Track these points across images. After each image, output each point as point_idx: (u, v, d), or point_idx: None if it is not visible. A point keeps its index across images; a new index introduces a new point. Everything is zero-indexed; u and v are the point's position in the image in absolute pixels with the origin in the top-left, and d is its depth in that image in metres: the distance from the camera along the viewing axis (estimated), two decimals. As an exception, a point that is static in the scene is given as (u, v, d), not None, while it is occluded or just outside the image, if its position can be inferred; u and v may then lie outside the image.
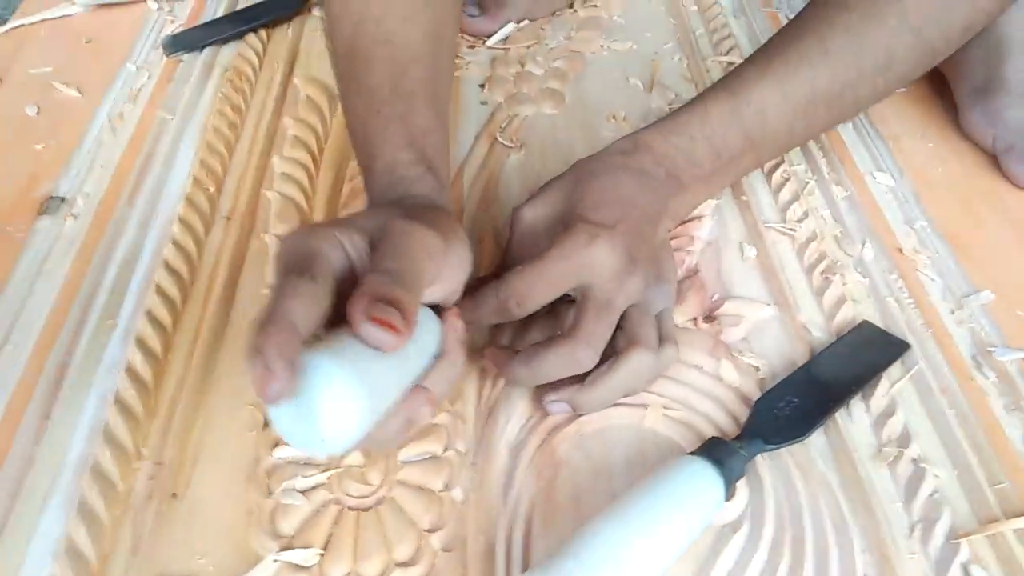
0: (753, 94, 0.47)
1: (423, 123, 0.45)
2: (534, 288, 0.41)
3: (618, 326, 0.42)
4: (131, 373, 0.44)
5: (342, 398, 0.29)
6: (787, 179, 0.58)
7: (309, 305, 0.31)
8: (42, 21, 0.70)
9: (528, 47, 0.71)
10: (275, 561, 0.37)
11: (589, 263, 0.41)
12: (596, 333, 0.40)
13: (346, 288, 0.32)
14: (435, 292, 0.37)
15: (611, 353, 0.41)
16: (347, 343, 0.31)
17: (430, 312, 0.37)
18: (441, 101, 0.47)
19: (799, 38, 0.47)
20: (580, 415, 0.43)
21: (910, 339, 0.48)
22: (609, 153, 0.47)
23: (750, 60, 0.49)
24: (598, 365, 0.41)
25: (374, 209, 0.40)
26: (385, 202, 0.42)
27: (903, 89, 0.66)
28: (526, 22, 0.73)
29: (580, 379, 0.42)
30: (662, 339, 0.43)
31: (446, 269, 0.37)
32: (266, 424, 0.42)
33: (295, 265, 0.32)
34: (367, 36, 0.46)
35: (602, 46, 0.71)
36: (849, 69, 0.46)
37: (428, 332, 0.36)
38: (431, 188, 0.43)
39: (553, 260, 0.41)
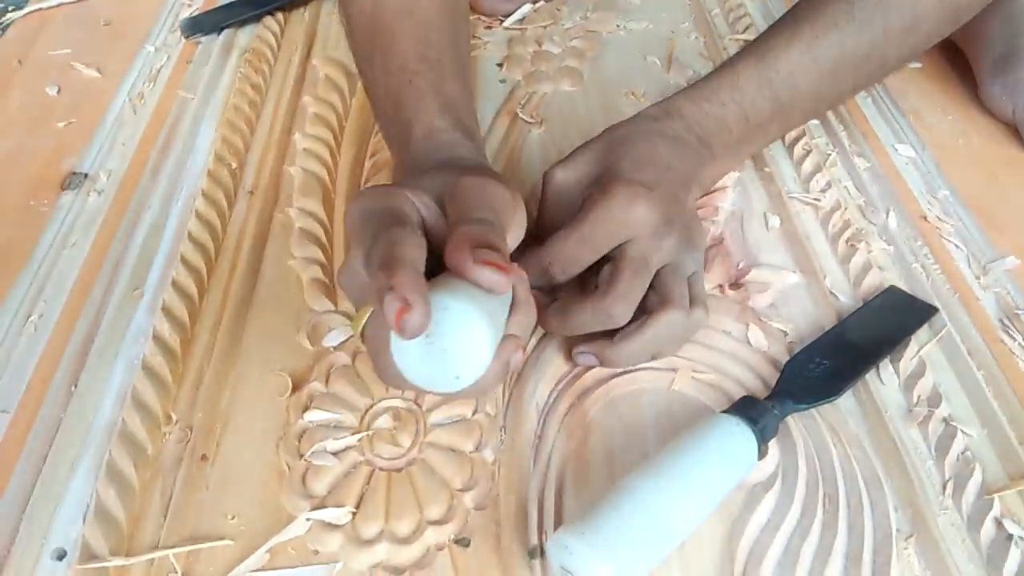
0: (782, 59, 0.47)
1: (453, 90, 0.45)
2: (578, 252, 0.41)
3: (650, 286, 0.42)
4: (158, 341, 0.44)
5: (477, 335, 0.30)
6: (808, 151, 0.57)
7: (420, 253, 0.32)
8: (60, 5, 0.70)
9: (544, 27, 0.71)
10: (308, 520, 0.37)
11: (630, 223, 0.40)
12: (631, 290, 0.40)
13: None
14: (508, 241, 0.37)
15: (642, 312, 0.41)
16: (458, 286, 0.31)
17: None
18: (465, 68, 0.47)
19: (828, 3, 0.47)
20: (609, 379, 0.43)
21: (937, 304, 0.47)
22: (641, 119, 0.47)
23: (777, 25, 0.49)
24: (630, 323, 0.41)
25: (431, 172, 0.40)
26: (429, 167, 0.42)
27: (917, 64, 0.66)
28: (542, 3, 0.73)
29: (610, 335, 0.42)
30: (692, 301, 0.43)
31: (514, 220, 0.37)
32: (295, 389, 0.42)
33: (387, 220, 0.33)
34: (389, 9, 0.46)
35: (618, 26, 0.71)
36: (876, 30, 0.46)
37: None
38: (470, 151, 0.43)
39: (594, 223, 0.41)
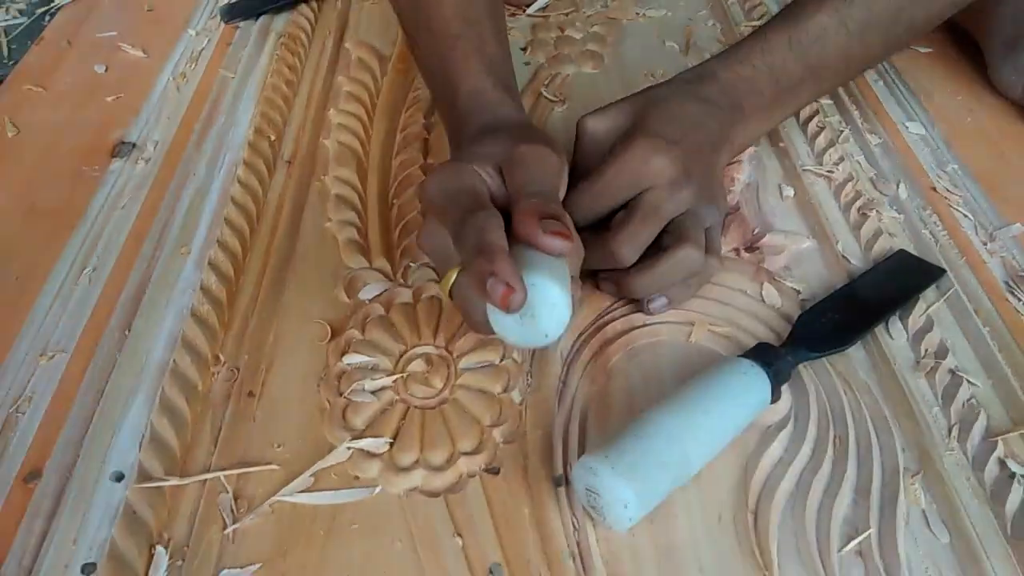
0: (811, 22, 0.49)
1: (494, 51, 0.48)
2: (596, 201, 0.44)
3: (666, 230, 0.44)
4: (206, 292, 0.47)
5: (560, 302, 0.35)
6: (822, 128, 0.60)
7: (503, 233, 0.36)
8: (106, -7, 0.74)
9: (566, 14, 0.74)
10: (348, 448, 0.39)
11: (647, 174, 0.43)
12: (637, 234, 0.43)
13: None
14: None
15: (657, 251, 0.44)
16: (529, 255, 0.36)
17: None
18: (503, 31, 0.50)
19: None
20: (629, 331, 0.45)
21: (944, 267, 0.49)
22: (676, 82, 0.49)
23: None
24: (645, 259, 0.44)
25: (486, 140, 0.43)
26: (478, 128, 0.45)
27: (928, 48, 0.69)
28: (564, -9, 0.76)
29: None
30: (707, 250, 0.45)
31: (563, 183, 0.41)
32: (334, 336, 0.45)
33: (464, 201, 0.37)
34: None
35: (637, 13, 0.74)
36: None
37: None
38: (514, 108, 0.46)
39: (613, 174, 0.43)
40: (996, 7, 0.62)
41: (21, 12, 0.75)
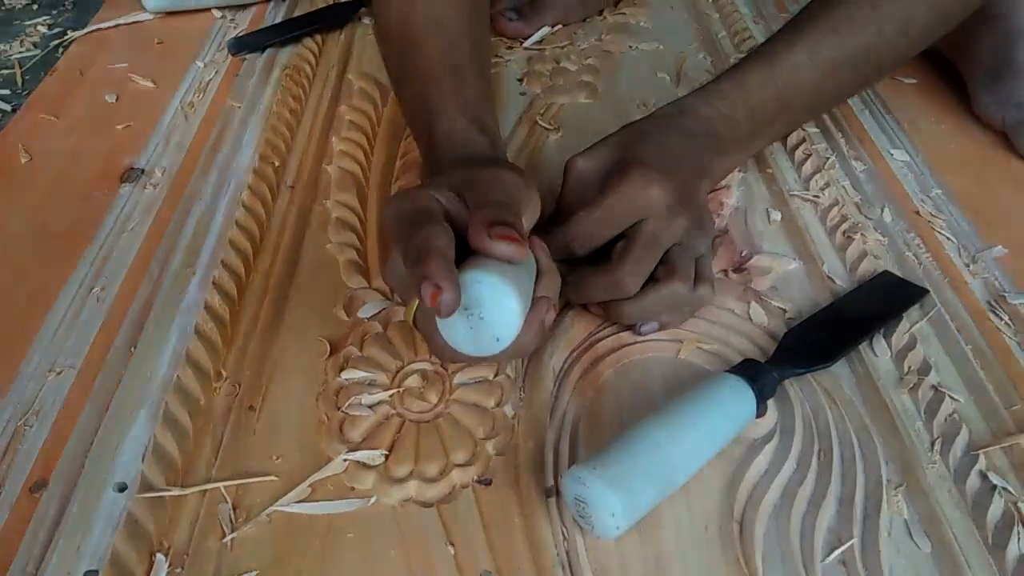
0: (785, 59, 0.51)
1: (473, 93, 0.50)
2: (596, 231, 0.46)
3: (661, 262, 0.46)
4: (210, 310, 0.48)
5: (507, 299, 0.35)
6: (809, 155, 0.62)
7: (448, 241, 0.37)
8: (116, 26, 0.76)
9: (562, 47, 0.76)
10: (345, 460, 0.40)
11: (644, 203, 0.45)
12: (640, 263, 0.44)
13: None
14: (524, 224, 0.41)
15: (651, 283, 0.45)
16: (485, 263, 0.36)
17: None
18: (485, 73, 0.52)
19: (827, 7, 0.52)
20: (620, 347, 0.47)
21: (928, 287, 0.51)
22: (657, 117, 0.51)
23: (781, 31, 0.53)
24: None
25: (450, 170, 0.44)
26: (449, 163, 0.47)
27: (912, 80, 0.71)
28: (560, 26, 0.79)
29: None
30: (699, 278, 0.47)
31: (528, 203, 0.42)
32: (333, 353, 0.46)
33: (415, 219, 0.38)
34: (417, 21, 0.51)
35: (631, 47, 0.77)
36: (871, 35, 0.51)
37: (530, 259, 0.42)
38: (486, 146, 0.47)
39: (611, 203, 0.45)
40: (978, 39, 0.64)
41: (35, 45, 0.77)
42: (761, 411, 0.42)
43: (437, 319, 0.37)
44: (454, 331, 0.37)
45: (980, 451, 0.42)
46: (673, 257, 0.46)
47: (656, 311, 0.46)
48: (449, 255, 0.36)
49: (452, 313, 0.34)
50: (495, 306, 0.35)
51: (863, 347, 0.47)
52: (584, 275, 0.46)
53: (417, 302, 0.39)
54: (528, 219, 0.43)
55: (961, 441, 0.42)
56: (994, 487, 0.40)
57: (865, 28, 0.51)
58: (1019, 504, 0.39)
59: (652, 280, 0.46)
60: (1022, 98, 0.62)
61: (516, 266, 0.38)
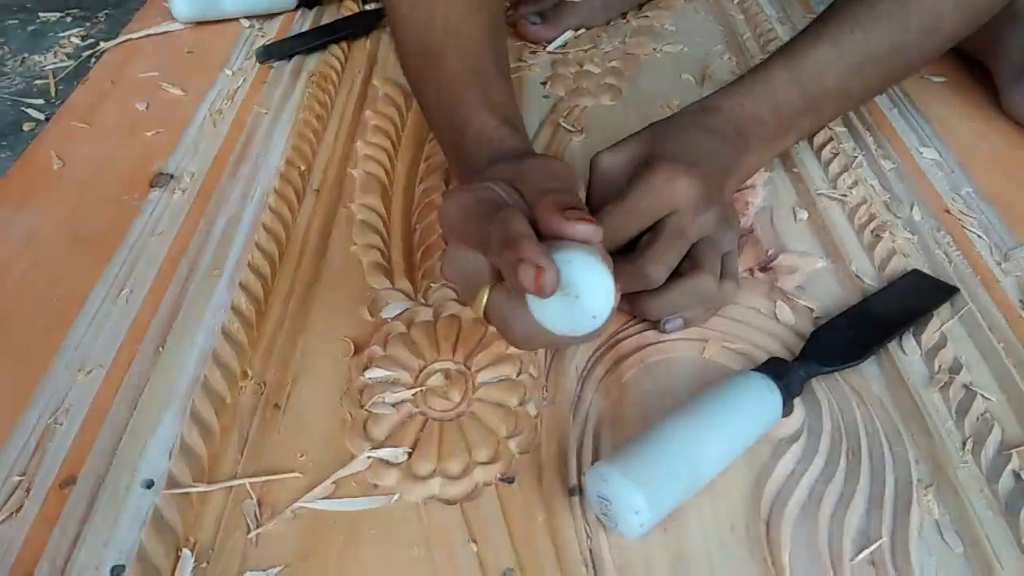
0: (810, 56, 0.51)
1: (499, 95, 0.50)
2: (624, 224, 0.45)
3: (687, 256, 0.45)
4: (236, 311, 0.48)
5: (602, 276, 0.35)
6: (836, 154, 0.61)
7: (528, 225, 0.36)
8: (147, 36, 0.78)
9: (586, 51, 0.76)
10: (368, 457, 0.41)
11: (673, 195, 0.45)
12: (666, 255, 0.44)
13: None
14: None
15: (678, 277, 0.45)
16: (564, 246, 0.36)
17: None
18: (506, 76, 0.52)
19: (850, 4, 0.51)
20: (644, 347, 0.47)
21: (958, 285, 0.50)
22: (683, 114, 0.51)
23: (806, 29, 0.53)
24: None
25: (494, 166, 0.44)
26: (488, 161, 0.46)
27: (942, 78, 0.70)
28: (583, 30, 0.79)
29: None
30: (725, 274, 0.46)
31: (578, 188, 0.42)
32: (357, 352, 0.46)
33: (485, 210, 0.38)
34: (437, 31, 0.52)
35: (655, 49, 0.76)
36: (897, 30, 0.50)
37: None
38: (519, 142, 0.47)
39: (639, 196, 0.45)
40: (1006, 37, 0.63)
41: (68, 56, 0.79)
42: (788, 410, 0.41)
43: (530, 302, 0.36)
44: (549, 312, 0.36)
45: (1013, 450, 0.41)
46: (700, 251, 0.46)
47: (681, 305, 0.46)
48: (535, 236, 0.36)
49: (553, 292, 0.34)
50: (591, 282, 0.35)
51: (892, 346, 0.46)
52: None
53: (487, 293, 0.38)
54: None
55: (993, 440, 0.41)
56: (1028, 487, 0.39)
57: (891, 23, 0.50)
58: (1055, 504, 0.38)
59: (677, 274, 0.45)
60: (1052, 94, 0.61)
61: (591, 247, 0.37)
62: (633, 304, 0.47)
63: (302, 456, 0.41)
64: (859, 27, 0.50)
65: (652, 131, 0.50)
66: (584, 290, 0.35)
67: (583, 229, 0.35)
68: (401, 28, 0.54)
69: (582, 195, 0.42)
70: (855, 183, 0.58)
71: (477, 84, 0.50)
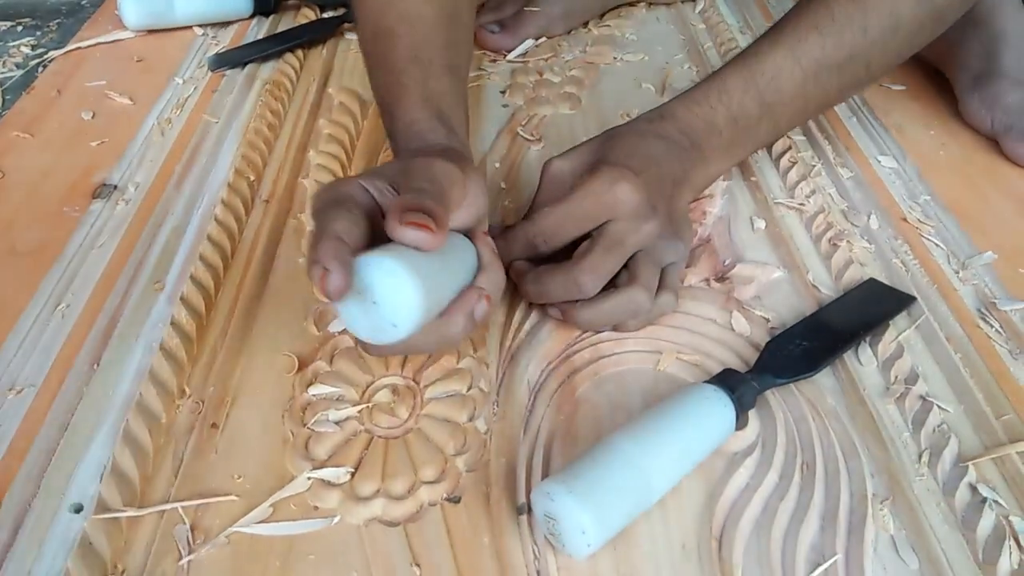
0: (767, 62, 0.50)
1: (438, 86, 0.49)
2: (561, 226, 0.44)
3: (625, 266, 0.44)
4: (176, 326, 0.47)
5: (401, 283, 0.33)
6: (794, 163, 0.60)
7: (349, 226, 0.35)
8: (97, 44, 0.76)
9: (546, 59, 0.75)
10: (308, 478, 0.39)
11: (612, 201, 0.44)
12: (601, 264, 0.43)
13: (378, 227, 0.37)
14: (462, 217, 0.40)
15: (614, 288, 0.45)
16: (395, 249, 0.35)
17: (464, 238, 0.41)
18: (459, 70, 0.51)
19: (808, 9, 0.50)
20: (597, 359, 0.45)
21: (915, 295, 0.49)
22: (638, 121, 0.50)
23: (763, 34, 0.52)
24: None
25: (393, 160, 0.44)
26: (404, 154, 0.46)
27: (901, 86, 0.70)
28: (543, 39, 0.78)
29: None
30: (663, 287, 0.46)
31: (469, 196, 0.40)
32: (301, 368, 0.45)
33: (330, 204, 0.37)
34: (391, 17, 0.51)
35: (615, 58, 0.76)
36: (856, 34, 0.49)
37: (467, 251, 0.41)
38: (444, 136, 0.46)
39: (578, 199, 0.44)
40: (963, 44, 0.63)
41: (17, 65, 0.77)
42: (741, 423, 0.40)
43: (335, 305, 0.35)
44: (350, 316, 0.35)
45: (970, 463, 0.40)
46: (637, 263, 0.45)
47: (612, 318, 0.45)
48: (346, 239, 0.34)
49: (341, 296, 0.33)
50: (388, 291, 0.34)
51: (848, 356, 0.46)
52: (543, 272, 0.45)
53: None
54: (467, 212, 0.41)
55: (950, 453, 0.41)
56: (984, 500, 0.38)
57: (849, 27, 0.49)
58: (1010, 518, 0.37)
59: (613, 285, 0.44)
60: (1009, 101, 0.61)
61: (437, 255, 0.36)
62: (565, 313, 0.46)
63: (239, 478, 0.39)
64: (817, 32, 0.50)
65: (605, 138, 0.49)
66: (380, 296, 0.34)
67: (410, 235, 0.34)
68: (360, 8, 0.53)
69: (467, 207, 0.41)
70: (813, 192, 0.58)
71: (418, 73, 0.49)
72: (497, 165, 0.61)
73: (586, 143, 0.49)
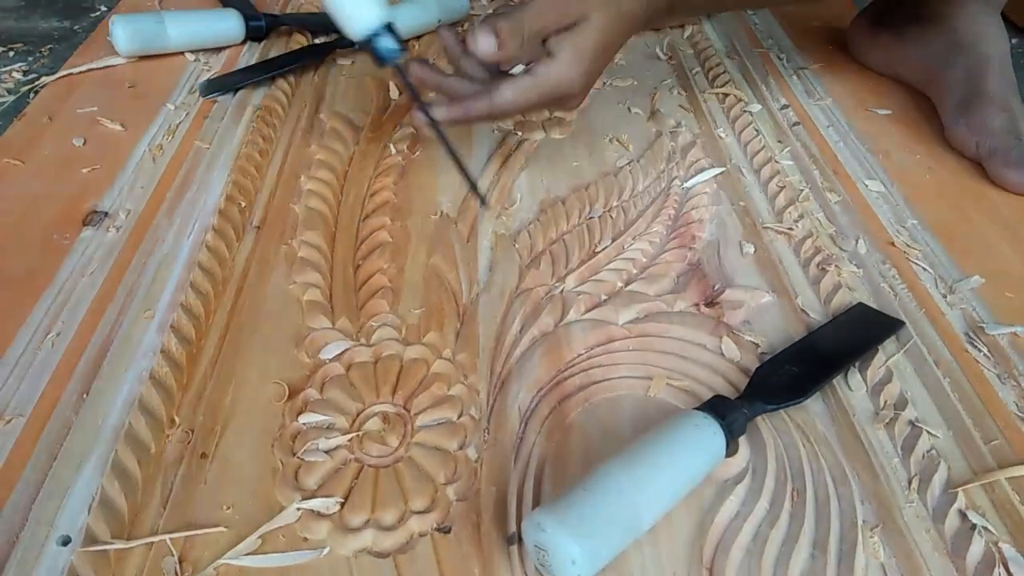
0: None
1: None
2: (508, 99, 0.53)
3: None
4: (166, 354, 0.47)
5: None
6: (782, 187, 0.61)
7: None
8: (88, 71, 0.76)
9: (537, 84, 0.76)
10: (298, 509, 0.39)
11: (557, 94, 0.53)
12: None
13: None
14: None
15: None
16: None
17: None
18: None
19: None
20: (588, 385, 0.46)
21: (904, 319, 0.50)
22: None
23: None
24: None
25: None
26: None
27: (887, 111, 0.70)
28: (535, 64, 0.79)
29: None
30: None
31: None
32: (291, 396, 0.45)
33: None
34: None
35: (605, 83, 0.76)
36: None
37: None
38: None
39: (531, 81, 0.53)
40: (948, 69, 0.64)
41: (8, 91, 0.77)
42: (732, 450, 0.41)
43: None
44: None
45: (959, 489, 0.40)
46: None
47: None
48: None
49: None
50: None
51: (838, 382, 0.46)
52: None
53: None
54: None
55: (939, 479, 0.41)
56: (974, 527, 0.38)
57: None
58: (1000, 544, 0.37)
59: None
60: (994, 125, 0.61)
61: None
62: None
63: (228, 508, 0.39)
64: None
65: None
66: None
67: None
68: None
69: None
70: (801, 216, 0.58)
71: None
72: (487, 189, 0.62)
73: None
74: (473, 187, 0.54)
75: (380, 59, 0.52)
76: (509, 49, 0.52)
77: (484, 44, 0.52)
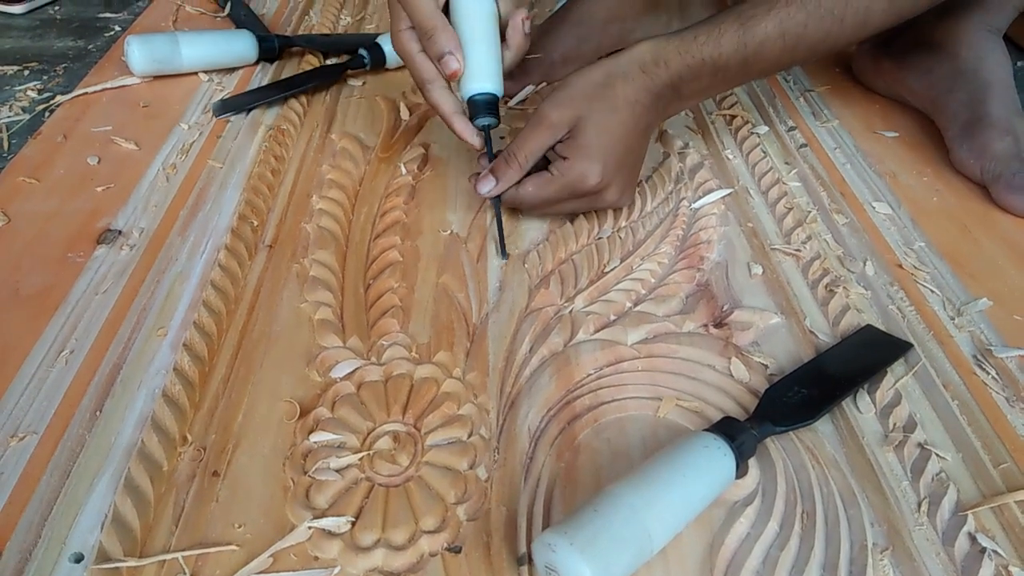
0: (759, 28, 0.54)
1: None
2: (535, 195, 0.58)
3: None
4: (178, 372, 0.47)
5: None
6: (790, 209, 0.61)
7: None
8: (103, 90, 0.77)
9: (546, 105, 0.76)
10: (309, 528, 0.39)
11: (579, 187, 0.56)
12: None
13: None
14: None
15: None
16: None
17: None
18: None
19: None
20: (597, 406, 0.46)
21: (912, 341, 0.50)
22: (634, 59, 0.55)
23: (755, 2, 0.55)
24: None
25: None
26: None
27: (894, 133, 0.71)
28: (544, 85, 0.79)
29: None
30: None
31: None
32: (303, 415, 0.45)
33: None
34: None
35: (614, 105, 0.77)
36: (833, 22, 0.53)
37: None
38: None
39: (550, 180, 0.57)
40: (951, 94, 0.65)
41: (23, 109, 0.78)
42: (741, 472, 0.41)
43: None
44: None
45: (969, 511, 0.40)
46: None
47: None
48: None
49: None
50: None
51: (847, 403, 0.46)
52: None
53: None
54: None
55: (949, 501, 0.41)
56: (983, 550, 0.38)
57: (830, 15, 0.53)
58: (1010, 568, 0.37)
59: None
60: (997, 150, 0.62)
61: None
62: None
63: (240, 527, 0.39)
64: (804, 8, 0.53)
65: (599, 86, 0.55)
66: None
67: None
68: None
69: None
70: (809, 238, 0.59)
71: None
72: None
73: (579, 80, 0.56)
74: (502, 246, 0.58)
75: (476, 118, 0.58)
76: (508, 182, 0.57)
77: (484, 189, 0.57)
